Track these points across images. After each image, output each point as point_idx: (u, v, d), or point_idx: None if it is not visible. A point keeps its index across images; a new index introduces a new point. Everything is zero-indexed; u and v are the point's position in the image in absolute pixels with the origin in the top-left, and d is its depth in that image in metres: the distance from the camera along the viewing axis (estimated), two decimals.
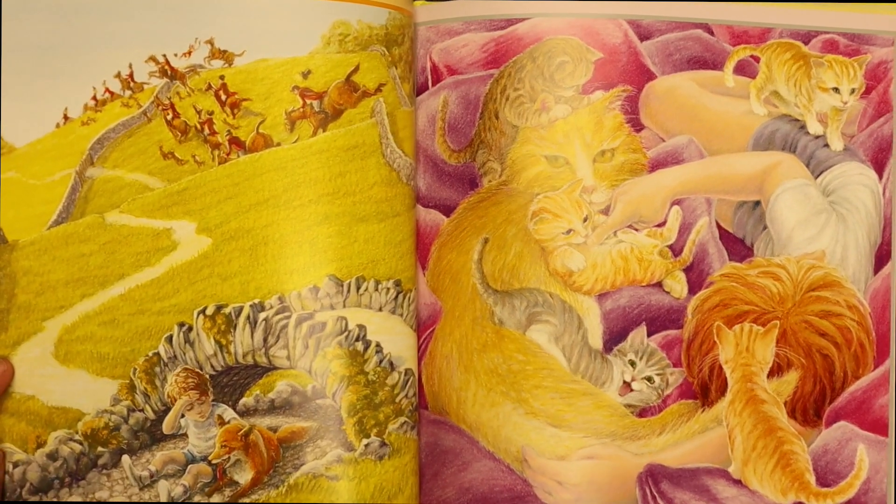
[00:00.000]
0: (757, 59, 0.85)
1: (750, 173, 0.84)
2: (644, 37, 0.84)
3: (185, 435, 0.79)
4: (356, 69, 0.81)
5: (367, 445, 0.78)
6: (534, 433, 0.82)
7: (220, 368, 0.79)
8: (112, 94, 0.79)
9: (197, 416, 0.78)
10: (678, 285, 0.84)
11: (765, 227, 0.84)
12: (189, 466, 0.78)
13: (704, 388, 0.83)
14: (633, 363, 0.82)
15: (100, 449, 0.77)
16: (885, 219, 0.84)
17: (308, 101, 0.80)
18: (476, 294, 0.84)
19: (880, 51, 0.84)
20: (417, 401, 0.82)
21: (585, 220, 0.83)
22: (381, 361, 0.79)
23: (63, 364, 0.77)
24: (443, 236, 0.85)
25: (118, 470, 0.78)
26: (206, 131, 0.80)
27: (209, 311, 0.78)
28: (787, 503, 0.81)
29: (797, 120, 0.85)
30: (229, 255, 0.79)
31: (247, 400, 0.79)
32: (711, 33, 0.85)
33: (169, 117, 0.80)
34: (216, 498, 0.77)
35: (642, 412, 0.83)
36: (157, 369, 0.78)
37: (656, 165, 0.84)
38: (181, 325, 0.78)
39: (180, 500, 0.77)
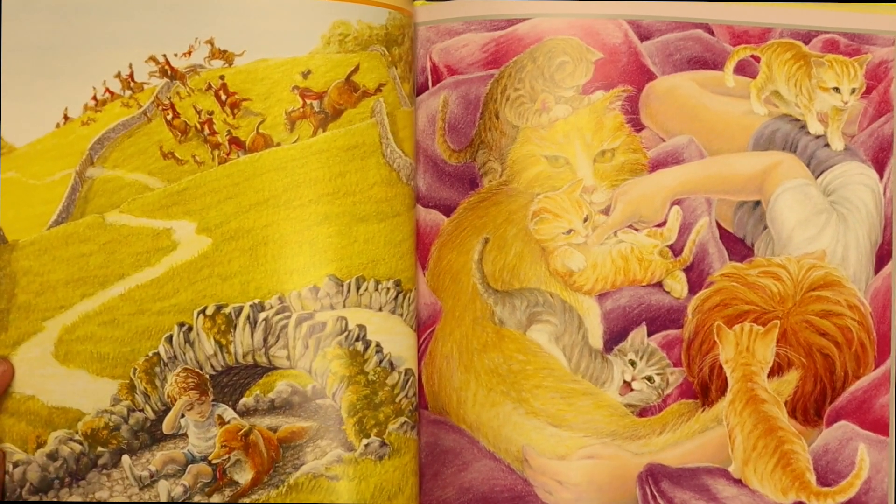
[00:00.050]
0: (757, 59, 0.85)
1: (750, 173, 0.84)
2: (644, 37, 0.84)
3: (185, 435, 0.79)
4: (356, 69, 0.81)
5: (367, 445, 0.78)
6: (534, 433, 0.82)
7: (220, 368, 0.79)
8: (112, 94, 0.79)
9: (197, 416, 0.78)
10: (678, 285, 0.84)
11: (765, 227, 0.84)
12: (189, 466, 0.78)
13: (705, 388, 0.83)
14: (633, 363, 0.82)
15: (100, 449, 0.77)
16: (886, 218, 0.84)
17: (308, 101, 0.80)
18: (476, 294, 0.84)
19: (881, 50, 0.84)
20: (417, 401, 0.82)
21: (586, 220, 0.83)
22: (381, 361, 0.79)
23: (63, 364, 0.77)
24: (443, 236, 0.85)
25: (118, 470, 0.78)
26: (206, 131, 0.80)
27: (209, 311, 0.78)
28: (788, 503, 0.81)
29: (798, 120, 0.85)
30: (229, 255, 0.79)
31: (247, 400, 0.79)
32: (712, 33, 0.85)
33: (169, 117, 0.80)
34: (216, 498, 0.77)
35: (642, 412, 0.83)
36: (157, 369, 0.78)
37: (656, 165, 0.84)
38: (181, 325, 0.78)
39: (180, 500, 0.77)
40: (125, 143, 0.81)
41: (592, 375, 0.83)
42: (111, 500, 0.77)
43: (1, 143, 0.77)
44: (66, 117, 0.78)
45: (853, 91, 0.84)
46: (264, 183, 0.79)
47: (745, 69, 0.85)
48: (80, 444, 0.77)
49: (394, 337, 0.81)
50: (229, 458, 0.77)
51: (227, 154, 0.80)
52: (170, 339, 0.78)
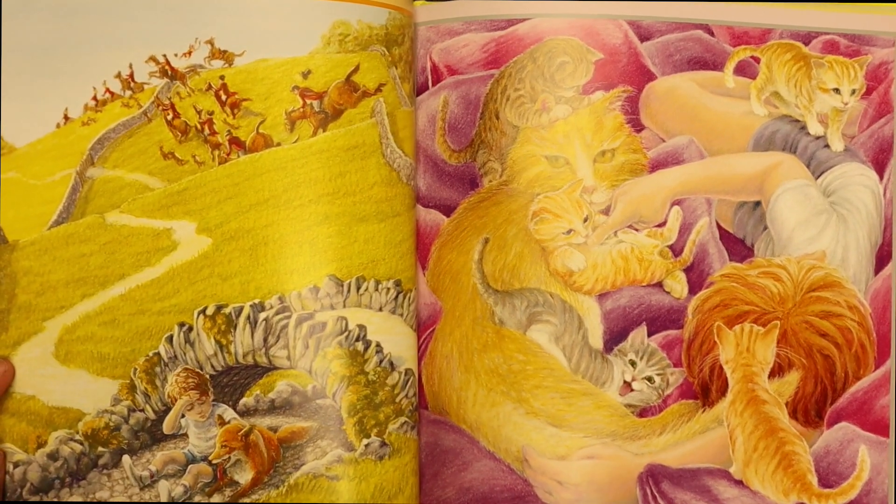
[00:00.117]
0: (757, 60, 0.85)
1: (750, 174, 0.84)
2: (644, 37, 0.84)
3: (186, 435, 0.79)
4: (356, 69, 0.81)
5: (367, 445, 0.78)
6: (534, 433, 0.82)
7: (220, 368, 0.79)
8: (112, 94, 0.79)
9: (197, 416, 0.78)
10: (678, 285, 0.84)
11: (765, 228, 0.84)
12: (189, 466, 0.78)
13: (705, 389, 0.83)
14: (633, 363, 0.82)
15: (100, 449, 0.77)
16: (886, 219, 0.84)
17: (308, 101, 0.80)
18: (476, 294, 0.84)
19: (881, 52, 0.84)
20: (417, 401, 0.82)
21: (586, 220, 0.83)
22: (381, 361, 0.79)
23: (63, 364, 0.78)
24: (443, 236, 0.85)
25: (119, 470, 0.78)
26: (207, 131, 0.80)
27: (209, 311, 0.78)
28: None
29: (798, 120, 0.84)
30: (229, 255, 0.79)
31: (247, 400, 0.79)
32: (712, 34, 0.85)
33: (169, 117, 0.81)
34: (216, 498, 0.77)
35: (643, 412, 0.83)
36: (158, 369, 0.78)
37: (656, 166, 0.84)
38: (181, 325, 0.78)
39: (181, 500, 0.77)
40: (125, 144, 0.81)
41: (592, 376, 0.83)
42: (112, 500, 0.77)
43: (1, 143, 0.77)
44: (66, 117, 0.78)
45: (853, 92, 0.84)
46: (264, 183, 0.79)
47: (745, 70, 0.85)
48: (81, 444, 0.77)
49: (394, 337, 0.81)
50: (230, 458, 0.77)
51: (228, 154, 0.80)
52: (170, 339, 0.78)
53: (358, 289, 0.79)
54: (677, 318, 0.84)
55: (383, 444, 0.78)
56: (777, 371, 0.82)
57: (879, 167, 0.84)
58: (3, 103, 0.77)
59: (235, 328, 0.78)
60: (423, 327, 0.85)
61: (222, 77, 0.80)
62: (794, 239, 0.83)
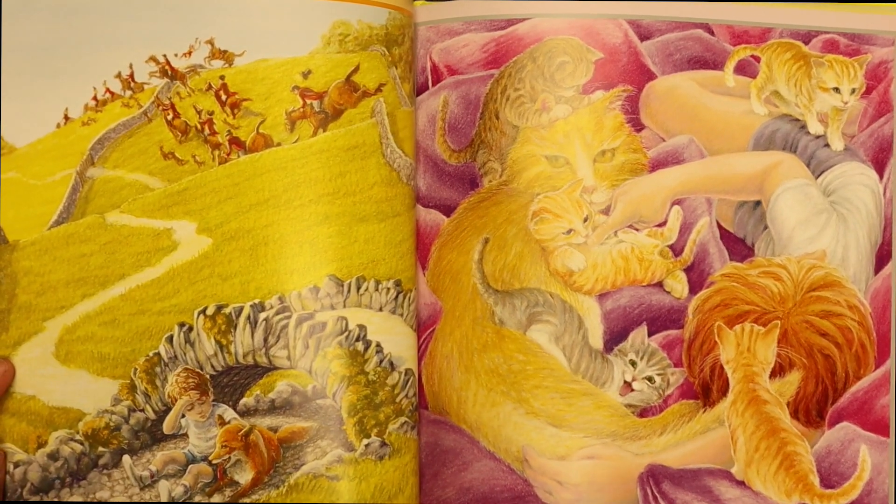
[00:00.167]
0: (757, 59, 0.85)
1: (750, 173, 0.84)
2: (644, 37, 0.84)
3: (186, 435, 0.79)
4: (356, 69, 0.81)
5: (367, 445, 0.78)
6: (534, 433, 0.82)
7: (220, 368, 0.79)
8: (112, 94, 0.79)
9: (197, 416, 0.78)
10: (679, 285, 0.84)
11: (765, 227, 0.84)
12: (189, 466, 0.78)
13: (706, 389, 0.83)
14: (633, 363, 0.82)
15: (100, 449, 0.77)
16: (886, 219, 0.84)
17: (308, 101, 0.80)
18: (476, 294, 0.84)
19: (880, 51, 0.84)
20: (417, 401, 0.82)
21: (586, 220, 0.83)
22: (381, 361, 0.79)
23: (64, 364, 0.78)
24: (443, 236, 0.85)
25: (119, 470, 0.78)
26: (207, 131, 0.80)
27: (209, 311, 0.78)
28: None
29: (798, 120, 0.84)
30: (229, 255, 0.79)
31: (247, 400, 0.79)
32: (712, 33, 0.85)
33: (169, 117, 0.81)
34: (217, 498, 0.77)
35: (643, 412, 0.83)
36: (158, 369, 0.78)
37: (657, 165, 0.84)
38: (182, 325, 0.78)
39: (181, 500, 0.77)
40: (125, 144, 0.81)
41: (593, 376, 0.82)
42: (112, 500, 0.77)
43: (1, 144, 0.77)
44: (66, 117, 0.78)
45: (853, 91, 0.84)
46: (264, 183, 0.79)
47: (746, 69, 0.85)
48: (81, 444, 0.77)
49: (394, 337, 0.81)
50: (230, 458, 0.77)
51: (228, 154, 0.80)
52: (170, 340, 0.78)
53: (358, 289, 0.79)
54: (678, 317, 0.84)
55: (383, 444, 0.78)
56: (778, 371, 0.82)
57: (879, 166, 0.84)
58: (3, 103, 0.77)
59: (235, 328, 0.78)
60: (424, 327, 0.85)
61: (222, 77, 0.80)
62: (794, 238, 0.83)
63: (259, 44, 0.79)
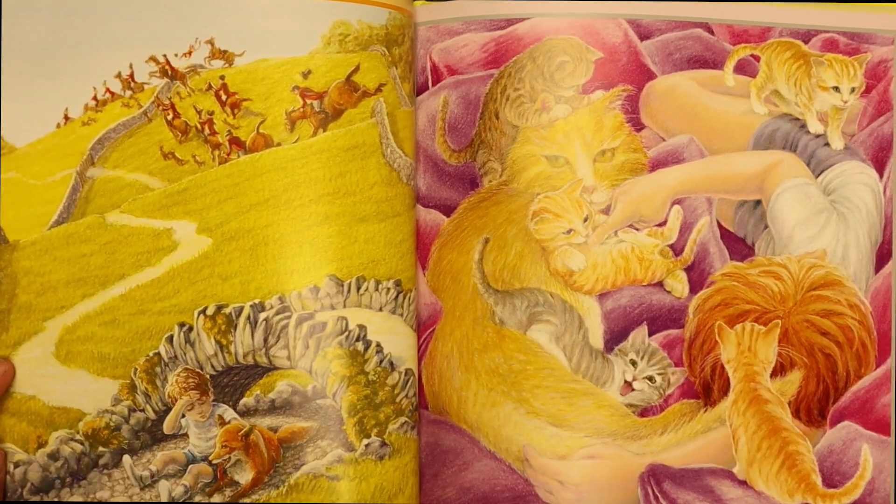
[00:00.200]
0: (757, 59, 0.85)
1: (750, 172, 0.84)
2: (644, 36, 0.84)
3: (186, 435, 0.79)
4: (356, 69, 0.81)
5: (367, 445, 0.78)
6: (535, 433, 0.81)
7: (220, 368, 0.79)
8: (112, 94, 0.79)
9: (197, 416, 0.78)
10: (679, 285, 0.84)
11: (766, 227, 0.84)
12: (190, 466, 0.78)
13: (706, 388, 0.83)
14: (634, 363, 0.82)
15: (101, 449, 0.77)
16: (886, 217, 0.84)
17: (308, 101, 0.80)
18: (477, 294, 0.84)
19: (880, 49, 0.84)
20: (417, 401, 0.82)
21: (586, 219, 0.83)
22: (381, 361, 0.79)
23: (64, 364, 0.78)
24: (443, 236, 0.85)
25: (119, 470, 0.78)
26: (207, 131, 0.80)
27: (210, 311, 0.78)
28: None
29: (798, 119, 0.84)
30: (230, 255, 0.79)
31: (247, 400, 0.79)
32: (711, 32, 0.85)
33: (169, 117, 0.81)
34: (217, 498, 0.77)
35: (644, 412, 0.82)
36: (158, 369, 0.78)
37: (657, 165, 0.84)
38: (182, 325, 0.78)
39: (181, 500, 0.77)
40: (126, 144, 0.81)
41: (593, 375, 0.82)
42: (112, 500, 0.77)
43: (1, 144, 0.78)
44: (66, 117, 0.78)
45: (853, 90, 0.84)
46: (265, 183, 0.79)
47: (745, 68, 0.85)
48: (81, 444, 0.77)
49: (394, 337, 0.81)
50: (230, 458, 0.77)
51: (228, 154, 0.80)
52: (170, 340, 0.78)
53: (358, 289, 0.79)
54: (678, 317, 0.84)
55: (383, 444, 0.78)
56: (779, 370, 0.82)
57: (879, 165, 0.84)
58: (3, 103, 0.77)
59: (236, 328, 0.78)
60: (424, 327, 0.85)
61: (222, 77, 0.80)
62: (794, 237, 0.83)
63: (259, 44, 0.79)
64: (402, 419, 0.80)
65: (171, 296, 0.78)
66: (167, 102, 0.81)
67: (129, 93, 0.80)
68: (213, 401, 0.79)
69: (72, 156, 0.79)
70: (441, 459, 0.83)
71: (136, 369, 0.78)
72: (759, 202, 0.84)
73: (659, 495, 0.81)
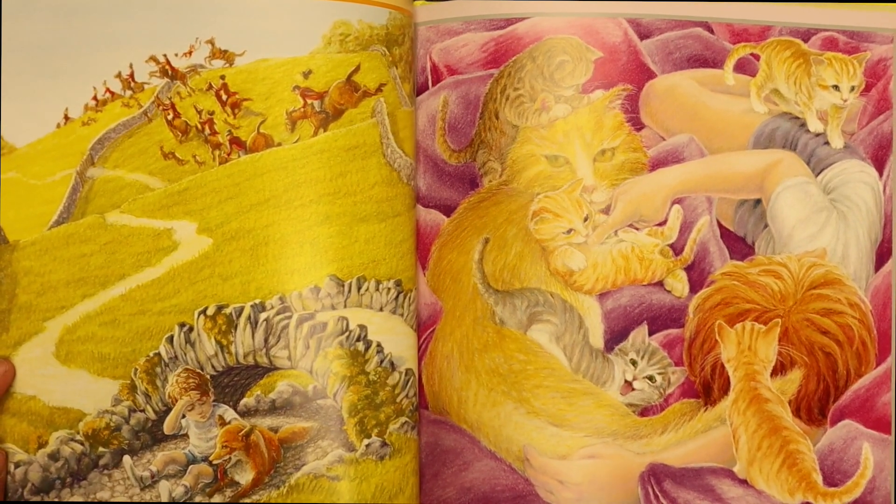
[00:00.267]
0: (757, 57, 0.85)
1: (750, 171, 0.84)
2: (644, 35, 0.84)
3: (186, 435, 0.78)
4: (357, 69, 0.81)
5: (368, 445, 0.78)
6: (535, 432, 0.81)
7: (220, 369, 0.79)
8: (112, 94, 0.79)
9: (198, 416, 0.78)
10: (679, 284, 0.84)
11: (766, 226, 0.84)
12: (190, 467, 0.78)
13: (707, 387, 0.83)
14: (634, 362, 0.82)
15: (101, 449, 0.77)
16: (886, 216, 0.84)
17: (309, 101, 0.80)
18: (477, 294, 0.84)
19: (879, 48, 0.84)
20: (418, 401, 0.82)
21: (586, 219, 0.83)
22: (381, 361, 0.79)
23: (64, 364, 0.77)
24: (443, 236, 0.85)
25: (119, 470, 0.78)
26: (207, 131, 0.80)
27: (210, 312, 0.78)
28: (795, 503, 0.81)
29: (797, 118, 0.85)
30: (230, 255, 0.79)
31: (248, 400, 0.79)
32: (711, 31, 0.85)
33: (169, 117, 0.81)
34: (217, 498, 0.77)
35: (644, 411, 0.82)
36: (158, 370, 0.78)
37: (657, 164, 0.84)
38: (182, 325, 0.78)
39: (181, 501, 0.77)
40: (126, 144, 0.81)
41: (593, 375, 0.82)
42: (112, 500, 0.77)
43: (1, 144, 0.77)
44: (66, 117, 0.78)
45: (852, 89, 0.84)
46: (265, 183, 0.79)
47: (745, 67, 0.85)
48: (82, 444, 0.77)
49: (394, 337, 0.81)
50: (230, 458, 0.77)
51: (228, 154, 0.80)
52: (171, 340, 0.78)
53: (359, 289, 0.79)
54: (678, 316, 0.84)
55: (384, 444, 0.78)
56: (779, 369, 0.82)
57: (879, 164, 0.84)
58: (3, 103, 0.77)
59: (236, 328, 0.78)
60: (424, 327, 0.85)
61: (223, 77, 0.80)
62: (794, 236, 0.83)
63: (260, 44, 0.79)
64: (403, 419, 0.80)
65: (171, 296, 0.78)
66: (167, 102, 0.81)
67: (129, 93, 0.80)
68: (214, 401, 0.79)
69: (72, 156, 0.79)
70: (441, 459, 0.83)
71: (136, 369, 0.78)
72: (759, 201, 0.84)
73: (659, 494, 0.81)
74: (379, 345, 0.79)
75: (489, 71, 0.84)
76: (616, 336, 0.83)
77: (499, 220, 0.84)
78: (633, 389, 0.82)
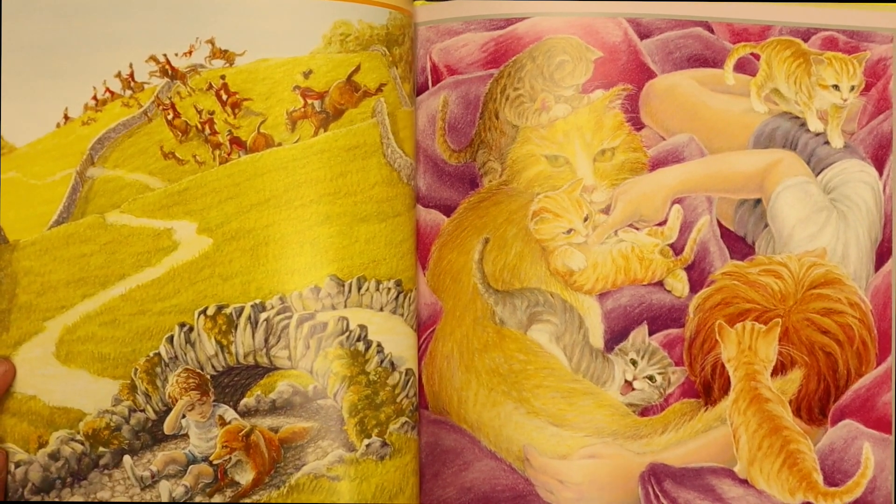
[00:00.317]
0: (757, 57, 0.85)
1: (751, 171, 0.84)
2: (644, 35, 0.84)
3: (187, 435, 0.78)
4: (357, 69, 0.81)
5: (368, 446, 0.78)
6: (535, 432, 0.81)
7: (221, 369, 0.79)
8: (112, 93, 0.79)
9: (198, 416, 0.78)
10: (679, 284, 0.84)
11: (766, 225, 0.84)
12: (190, 467, 0.78)
13: (707, 387, 0.83)
14: (634, 362, 0.82)
15: (101, 449, 0.77)
16: (886, 216, 0.84)
17: (309, 101, 0.80)
18: (477, 294, 0.84)
19: (879, 48, 0.84)
20: (418, 401, 0.82)
21: (586, 219, 0.83)
22: (382, 361, 0.79)
23: (64, 364, 0.77)
24: (443, 236, 0.85)
25: (119, 470, 0.78)
26: (207, 131, 0.80)
27: (210, 312, 0.78)
28: (796, 503, 0.81)
29: (797, 117, 0.85)
30: (230, 255, 0.79)
31: (248, 400, 0.79)
32: (711, 31, 0.85)
33: (170, 117, 0.81)
34: (217, 498, 0.77)
35: (644, 411, 0.82)
36: (159, 370, 0.78)
37: (657, 164, 0.84)
38: (182, 325, 0.78)
39: (181, 501, 0.77)
40: (126, 143, 0.81)
41: (593, 375, 0.82)
42: (112, 500, 0.77)
43: (1, 143, 0.77)
44: (66, 117, 0.78)
45: (852, 88, 0.84)
46: (265, 183, 0.79)
47: (745, 67, 0.85)
48: (82, 444, 0.77)
49: (395, 337, 0.81)
50: (230, 458, 0.77)
51: (228, 154, 0.80)
52: (171, 340, 0.78)
53: (359, 289, 0.79)
54: (678, 316, 0.84)
55: (384, 444, 0.78)
56: (780, 369, 0.82)
57: (879, 163, 0.84)
58: (3, 103, 0.77)
59: (236, 328, 0.78)
60: (424, 327, 0.85)
61: (223, 77, 0.80)
62: (794, 236, 0.83)
63: (260, 43, 0.79)
64: (403, 419, 0.80)
65: (171, 296, 0.78)
66: (167, 102, 0.81)
67: (129, 92, 0.80)
68: (214, 401, 0.79)
69: (72, 155, 0.79)
70: (441, 459, 0.83)
71: (136, 369, 0.78)
72: (759, 201, 0.84)
73: (660, 494, 0.81)
74: (379, 345, 0.79)
75: (489, 71, 0.84)
76: (616, 336, 0.83)
77: (499, 220, 0.84)
78: (634, 389, 0.82)
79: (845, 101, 0.84)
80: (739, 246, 0.84)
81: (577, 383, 0.82)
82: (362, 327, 0.79)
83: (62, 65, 0.78)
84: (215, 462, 0.77)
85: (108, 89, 0.79)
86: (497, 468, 0.82)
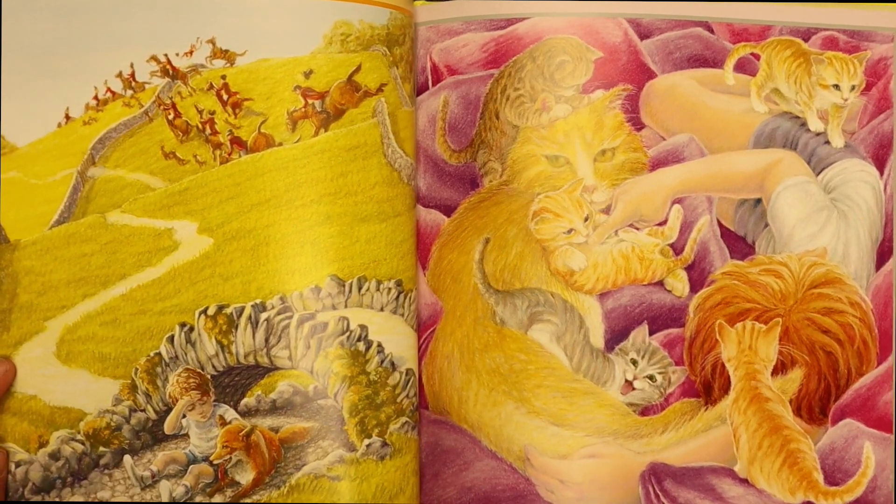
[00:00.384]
0: (757, 57, 0.85)
1: (751, 171, 0.84)
2: (644, 35, 0.84)
3: (187, 435, 0.78)
4: (358, 69, 0.81)
5: (368, 446, 0.78)
6: (536, 432, 0.81)
7: (221, 369, 0.79)
8: (113, 93, 0.79)
9: (198, 416, 0.78)
10: (680, 284, 0.84)
11: (766, 225, 0.84)
12: (190, 467, 0.78)
13: (707, 387, 0.83)
14: (634, 362, 0.82)
15: (101, 449, 0.77)
16: (887, 215, 0.84)
17: (310, 101, 0.80)
18: (477, 294, 0.84)
19: (880, 47, 0.85)
20: (418, 401, 0.82)
21: (586, 219, 0.83)
22: (382, 361, 0.79)
23: (65, 364, 0.77)
24: (444, 236, 0.85)
25: (120, 470, 0.78)
26: (208, 131, 0.80)
27: (211, 312, 0.78)
28: (796, 503, 0.81)
29: (798, 117, 0.85)
30: (231, 255, 0.79)
31: (248, 400, 0.79)
32: (711, 31, 0.85)
33: (170, 117, 0.81)
34: (217, 498, 0.77)
35: (644, 411, 0.82)
36: (159, 369, 0.78)
37: (657, 164, 0.84)
38: (182, 325, 0.78)
39: (182, 501, 0.77)
40: (126, 143, 0.81)
41: (594, 375, 0.82)
42: (113, 500, 0.77)
43: (2, 143, 0.78)
44: (67, 117, 0.78)
45: (853, 88, 0.84)
46: (266, 183, 0.79)
47: (745, 67, 0.85)
48: (82, 443, 0.77)
49: (395, 337, 0.81)
50: (231, 458, 0.77)
51: (229, 154, 0.80)
52: (171, 340, 0.78)
53: (359, 289, 0.79)
54: (679, 316, 0.84)
55: (384, 444, 0.78)
56: (780, 368, 0.82)
57: (879, 163, 0.84)
58: (3, 103, 0.77)
59: (237, 328, 0.78)
60: (424, 327, 0.85)
61: (224, 77, 0.80)
62: (795, 236, 0.83)
63: (261, 43, 0.79)
64: (403, 419, 0.80)
65: (172, 296, 0.78)
66: (168, 102, 0.81)
67: (130, 92, 0.80)
68: (214, 401, 0.79)
69: (73, 155, 0.79)
70: (442, 459, 0.83)
71: (136, 369, 0.78)
72: (759, 201, 0.84)
73: (660, 494, 0.81)
74: (379, 345, 0.79)
75: (489, 71, 0.85)
76: (616, 336, 0.83)
77: (499, 220, 0.84)
78: (634, 389, 0.82)
79: (846, 100, 0.84)
80: (740, 246, 0.84)
81: (578, 383, 0.82)
82: (363, 327, 0.79)
83: (63, 64, 0.78)
84: (216, 462, 0.77)
85: (109, 89, 0.79)
86: (497, 468, 0.82)
